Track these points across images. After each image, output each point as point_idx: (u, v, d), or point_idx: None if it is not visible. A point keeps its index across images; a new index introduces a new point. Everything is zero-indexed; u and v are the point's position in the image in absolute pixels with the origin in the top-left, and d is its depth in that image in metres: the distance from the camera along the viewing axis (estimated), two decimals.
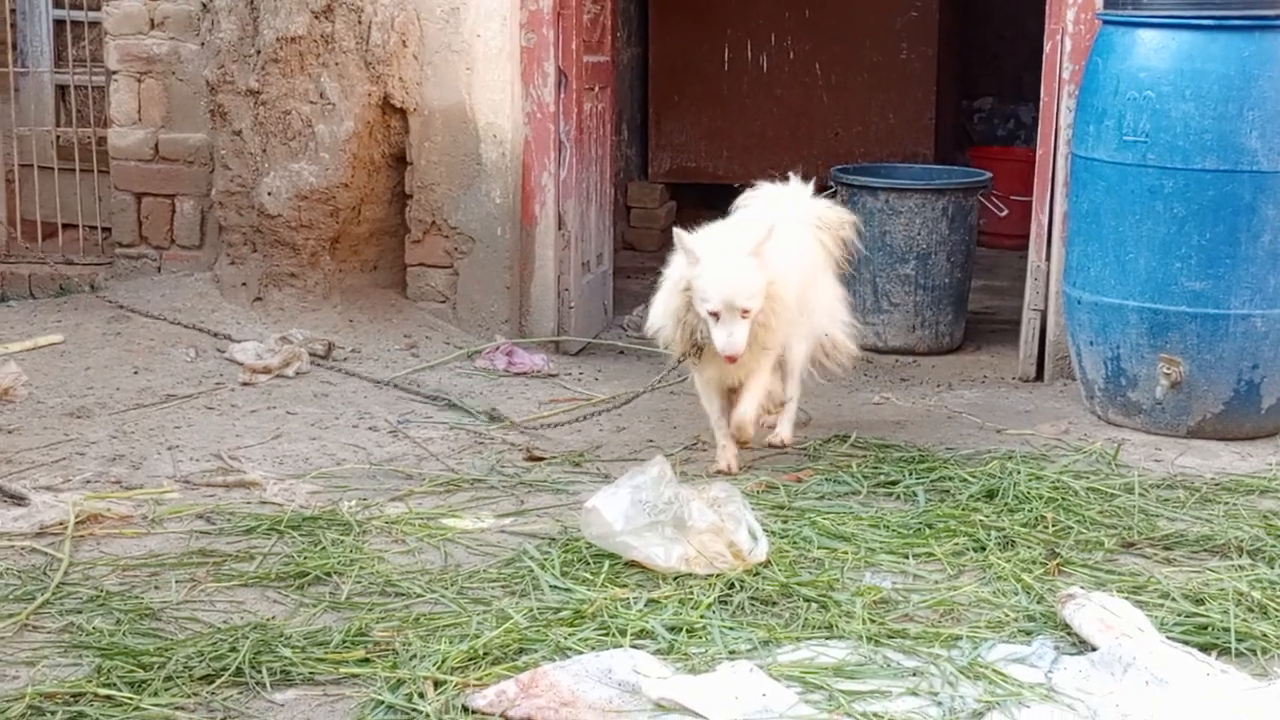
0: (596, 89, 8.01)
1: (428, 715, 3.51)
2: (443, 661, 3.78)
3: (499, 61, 7.33)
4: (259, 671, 3.79)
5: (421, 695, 3.62)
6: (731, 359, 5.04)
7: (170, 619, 4.17)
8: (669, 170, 10.53)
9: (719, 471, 5.41)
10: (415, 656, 3.84)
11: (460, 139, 7.40)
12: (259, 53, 7.17)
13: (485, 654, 3.85)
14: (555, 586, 4.35)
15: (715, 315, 5.02)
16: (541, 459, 5.72)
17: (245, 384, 6.63)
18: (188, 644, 3.94)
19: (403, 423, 6.18)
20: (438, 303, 7.57)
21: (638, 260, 9.67)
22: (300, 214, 7.28)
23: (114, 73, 7.77)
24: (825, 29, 10.34)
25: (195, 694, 3.69)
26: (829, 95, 10.37)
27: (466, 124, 7.37)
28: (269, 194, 7.26)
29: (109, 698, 3.64)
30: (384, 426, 6.11)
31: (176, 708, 3.61)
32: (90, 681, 3.71)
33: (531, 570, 4.48)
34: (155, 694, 3.66)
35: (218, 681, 3.74)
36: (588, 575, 4.45)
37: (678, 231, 5.14)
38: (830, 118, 10.36)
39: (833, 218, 5.89)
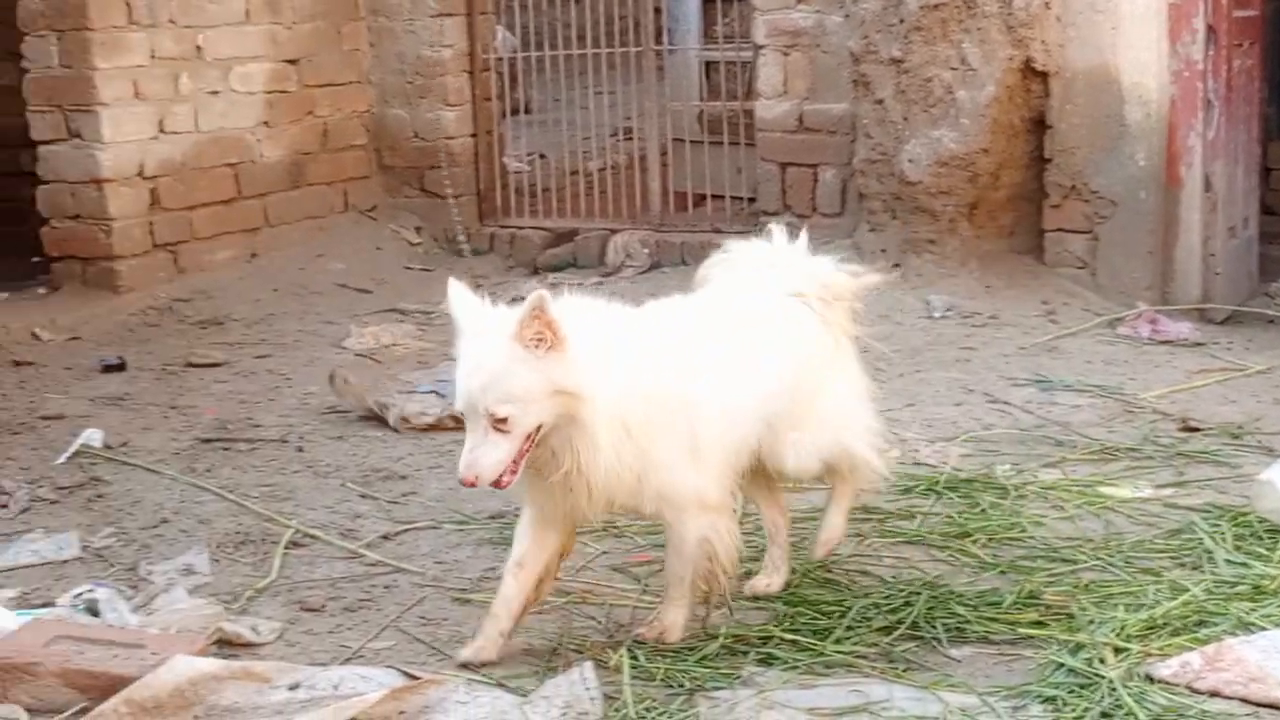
0: (1245, 45, 7.65)
1: (1110, 681, 3.48)
2: (1121, 629, 3.74)
3: (1145, 20, 7.13)
4: (934, 627, 3.88)
5: (1102, 660, 3.60)
6: (469, 483, 3.53)
7: (840, 572, 4.33)
8: None
9: (463, 664, 3.78)
10: (1091, 622, 3.82)
11: (1102, 101, 7.25)
12: (902, 21, 7.29)
13: (1164, 624, 3.78)
14: (1230, 560, 4.21)
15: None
16: (1197, 429, 5.54)
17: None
18: (862, 596, 4.08)
19: (1044, 388, 6.15)
20: (1075, 268, 7.46)
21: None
22: (939, 180, 7.36)
23: (761, 47, 8.10)
24: None
25: (874, 644, 3.81)
26: None
27: (1109, 85, 7.21)
28: (909, 161, 7.38)
29: (794, 642, 3.82)
30: (1027, 393, 6.09)
31: (858, 656, 3.75)
32: (776, 626, 3.91)
33: (1201, 542, 4.35)
34: (838, 641, 3.82)
35: (895, 634, 3.86)
36: (1262, 550, 4.28)
37: (453, 287, 3.62)
38: None
39: (843, 284, 4.14)
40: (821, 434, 4.02)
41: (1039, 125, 7.44)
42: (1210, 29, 7.20)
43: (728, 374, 3.82)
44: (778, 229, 4.20)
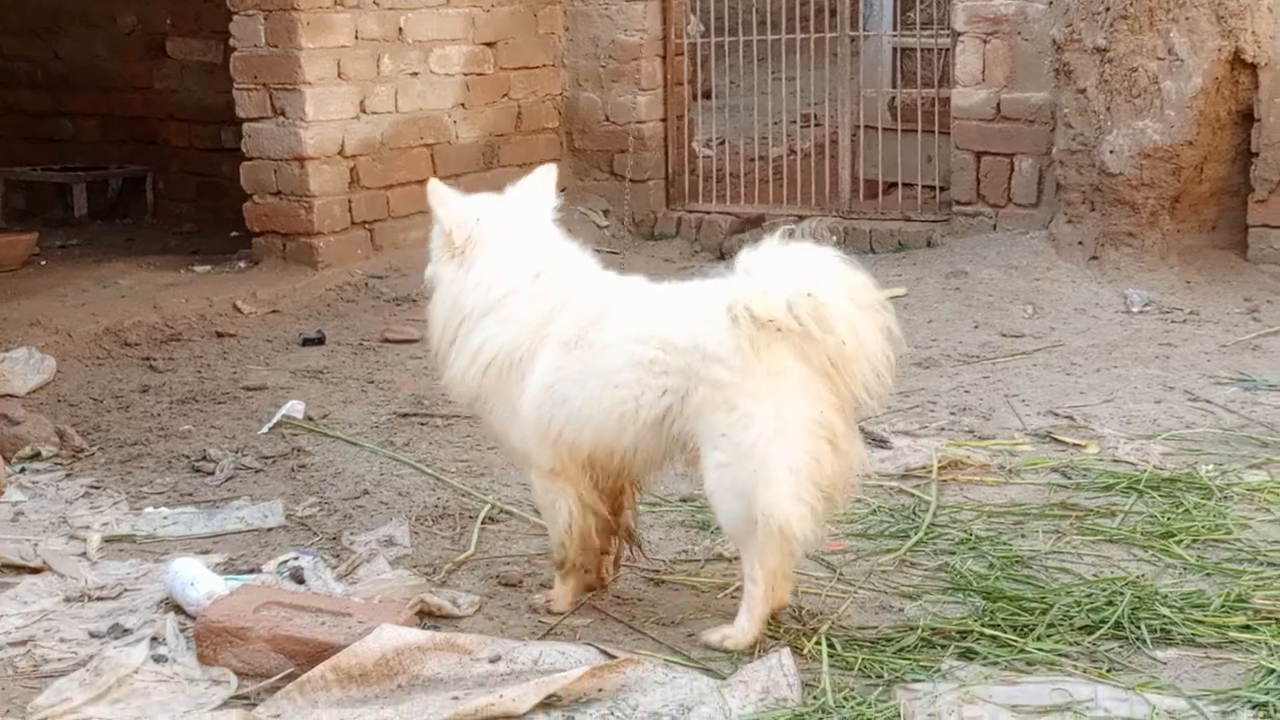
0: None
1: None
2: None
3: None
4: (1138, 627, 3.81)
5: None
6: None
7: (1039, 568, 4.27)
8: None
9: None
10: None
11: None
12: (1108, 9, 7.15)
13: None
14: None
15: None
16: None
17: None
18: (1062, 594, 4.02)
19: (1247, 387, 6.00)
20: None
21: None
22: (1142, 173, 7.21)
23: (959, 34, 8.00)
24: None
25: (1076, 643, 3.76)
26: None
27: None
28: (1110, 152, 7.23)
29: (994, 638, 3.78)
30: (1230, 392, 5.94)
31: (1060, 654, 3.70)
32: (975, 621, 3.87)
33: None
34: (1039, 639, 3.77)
35: (1097, 633, 3.79)
36: None
37: (433, 186, 4.21)
38: None
39: (766, 306, 3.58)
40: (737, 458, 3.63)
41: (1246, 118, 7.25)
42: None
43: (582, 367, 3.83)
44: (808, 226, 3.80)
